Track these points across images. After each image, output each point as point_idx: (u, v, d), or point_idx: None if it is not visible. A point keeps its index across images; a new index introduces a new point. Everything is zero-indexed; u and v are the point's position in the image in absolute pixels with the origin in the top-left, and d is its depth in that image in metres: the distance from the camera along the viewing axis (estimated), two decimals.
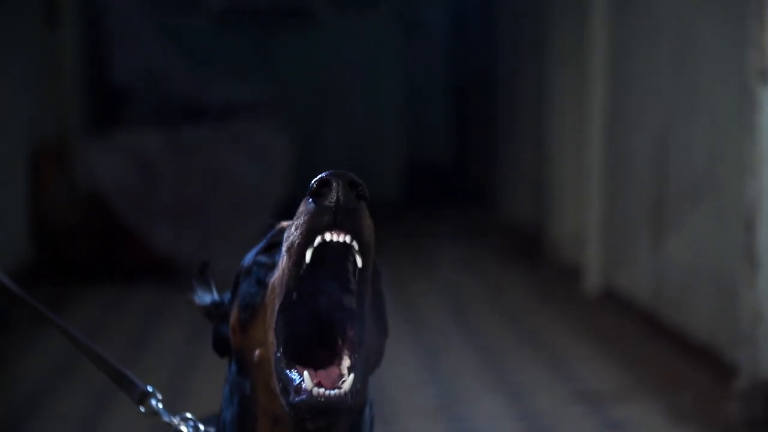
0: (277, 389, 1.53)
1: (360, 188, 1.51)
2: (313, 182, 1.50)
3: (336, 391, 1.49)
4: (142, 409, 1.96)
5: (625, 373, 4.91)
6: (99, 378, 5.08)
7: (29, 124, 7.09)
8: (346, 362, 1.53)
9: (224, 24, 9.63)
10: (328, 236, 1.49)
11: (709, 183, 4.92)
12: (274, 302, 1.56)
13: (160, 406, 1.96)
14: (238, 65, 9.37)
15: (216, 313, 1.80)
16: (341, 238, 1.49)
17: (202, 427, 1.89)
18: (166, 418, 1.94)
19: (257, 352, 1.60)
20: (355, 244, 1.50)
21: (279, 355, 1.53)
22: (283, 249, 1.54)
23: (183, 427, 1.89)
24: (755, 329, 4.17)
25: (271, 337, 1.55)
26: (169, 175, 7.08)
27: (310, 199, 1.50)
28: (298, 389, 1.50)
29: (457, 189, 10.69)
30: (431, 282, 7.03)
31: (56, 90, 7.58)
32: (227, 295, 1.79)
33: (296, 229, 1.51)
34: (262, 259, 1.65)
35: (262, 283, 1.61)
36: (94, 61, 8.12)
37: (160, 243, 6.81)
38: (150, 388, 1.97)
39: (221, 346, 1.77)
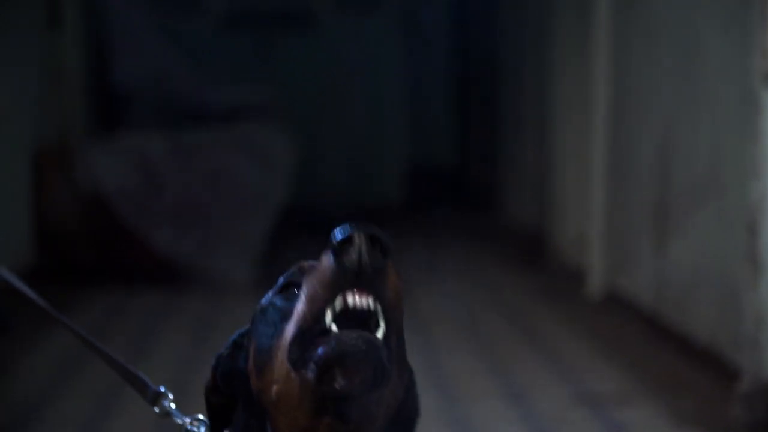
0: (289, 367, 1.47)
1: (384, 243, 1.45)
2: (334, 237, 1.44)
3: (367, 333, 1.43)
4: (156, 410, 1.97)
5: (628, 376, 4.91)
6: (102, 380, 5.10)
7: (32, 127, 7.09)
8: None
9: (226, 26, 9.63)
10: (350, 300, 1.43)
11: (712, 185, 4.92)
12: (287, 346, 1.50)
13: (173, 406, 1.97)
14: (240, 67, 9.37)
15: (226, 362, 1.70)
16: (364, 302, 1.45)
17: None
18: (178, 419, 1.94)
19: (274, 388, 1.54)
20: (378, 307, 1.45)
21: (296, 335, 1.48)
22: (302, 301, 1.48)
23: (195, 429, 1.89)
24: (758, 332, 4.17)
25: (286, 367, 1.49)
26: (170, 177, 7.07)
27: (332, 256, 1.44)
28: (324, 340, 1.43)
29: (459, 192, 10.68)
30: (433, 285, 7.02)
31: (59, 92, 7.58)
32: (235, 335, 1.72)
33: (317, 287, 1.45)
34: (278, 301, 1.58)
35: (276, 328, 1.55)
36: (96, 64, 8.12)
37: (162, 245, 6.81)
38: (162, 389, 1.98)
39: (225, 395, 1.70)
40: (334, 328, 1.43)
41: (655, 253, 5.63)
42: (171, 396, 1.96)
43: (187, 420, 1.92)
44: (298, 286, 1.55)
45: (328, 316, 1.44)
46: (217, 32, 9.60)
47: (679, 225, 5.33)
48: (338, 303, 1.44)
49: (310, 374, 1.44)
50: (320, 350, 1.42)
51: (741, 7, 4.60)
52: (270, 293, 1.64)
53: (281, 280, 1.62)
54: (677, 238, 5.34)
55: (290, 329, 1.49)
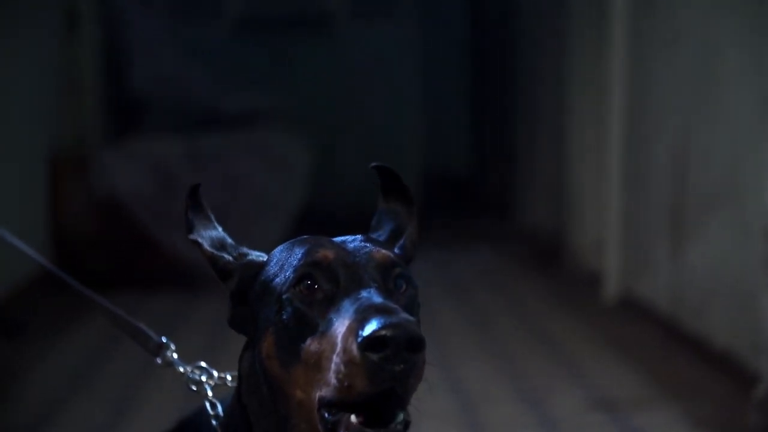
0: (320, 428, 1.52)
1: (420, 343, 1.45)
2: (368, 332, 1.43)
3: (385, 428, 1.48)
4: (159, 361, 1.99)
5: (644, 381, 4.89)
6: (116, 383, 5.10)
7: (48, 132, 7.12)
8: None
9: (242, 31, 9.64)
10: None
11: (729, 190, 4.90)
12: (316, 365, 1.51)
13: (175, 356, 1.99)
14: (256, 72, 9.38)
15: (232, 273, 1.72)
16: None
17: (216, 373, 1.90)
18: (180, 368, 1.96)
19: (298, 393, 1.56)
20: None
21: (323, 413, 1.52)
22: (332, 370, 1.48)
23: (196, 376, 1.91)
24: None
25: (313, 394, 1.52)
26: (187, 182, 7.05)
27: (364, 350, 1.44)
28: (348, 426, 1.48)
29: (475, 197, 10.67)
30: (449, 289, 7.02)
31: (75, 98, 7.61)
32: (252, 257, 1.73)
33: (347, 376, 1.45)
34: (300, 306, 1.57)
35: (298, 336, 1.55)
36: (113, 70, 8.14)
37: (177, 249, 6.82)
38: (164, 339, 2.00)
39: (237, 327, 1.72)
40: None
41: (672, 258, 5.61)
42: (173, 346, 1.98)
43: (189, 368, 1.94)
44: (316, 285, 1.57)
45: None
46: (233, 37, 9.62)
47: (695, 229, 5.31)
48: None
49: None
50: None
51: (759, 12, 4.59)
52: (276, 269, 1.64)
53: (292, 267, 1.61)
54: (694, 242, 5.32)
55: (323, 378, 1.50)
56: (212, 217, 1.80)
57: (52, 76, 7.24)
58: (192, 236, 1.75)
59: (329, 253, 1.61)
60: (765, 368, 4.18)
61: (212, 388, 1.92)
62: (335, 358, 1.47)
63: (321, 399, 1.50)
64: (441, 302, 6.63)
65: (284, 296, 1.59)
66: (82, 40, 7.64)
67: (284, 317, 1.58)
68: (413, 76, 10.07)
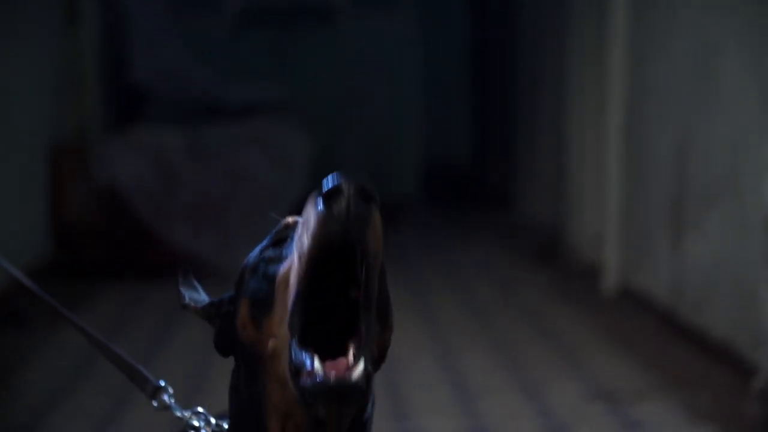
0: (288, 376, 1.54)
1: (371, 192, 1.50)
2: (322, 187, 1.49)
3: (347, 373, 1.50)
4: (155, 404, 2.01)
5: (644, 373, 4.90)
6: (116, 375, 5.09)
7: (49, 123, 7.12)
8: (352, 352, 1.52)
9: (243, 23, 9.64)
10: (338, 247, 1.49)
11: (729, 183, 4.90)
12: (285, 298, 1.56)
13: (172, 401, 2.01)
14: (257, 64, 9.38)
15: (216, 313, 1.81)
16: (351, 250, 1.49)
17: (213, 420, 1.92)
18: (177, 413, 1.98)
19: (270, 343, 1.60)
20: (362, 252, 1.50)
21: (293, 342, 1.54)
22: (294, 252, 1.54)
23: (195, 421, 1.92)
24: None
25: (285, 330, 1.55)
26: (188, 174, 7.09)
27: (320, 205, 1.49)
28: (310, 373, 1.50)
29: (475, 189, 10.68)
30: (449, 282, 7.03)
31: (77, 89, 7.61)
32: (226, 294, 1.79)
33: (306, 236, 1.50)
34: (269, 253, 1.65)
35: (271, 279, 1.61)
36: (114, 61, 8.15)
37: (178, 241, 6.83)
38: (162, 383, 2.01)
39: (224, 345, 1.77)
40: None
41: (672, 251, 5.62)
42: (171, 390, 2.00)
43: (187, 414, 1.96)
44: (287, 240, 1.62)
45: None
46: (234, 29, 9.61)
47: (695, 222, 5.32)
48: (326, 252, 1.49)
49: (295, 387, 1.51)
50: (307, 381, 1.49)
51: (758, 7, 4.59)
52: (257, 250, 1.70)
53: (268, 237, 1.68)
54: (694, 235, 5.33)
55: (290, 288, 1.53)
56: (199, 288, 1.90)
57: (53, 67, 7.24)
58: (184, 303, 1.86)
59: (291, 219, 1.67)
60: (764, 360, 4.19)
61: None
62: (296, 240, 1.53)
63: (289, 321, 1.53)
64: (441, 295, 6.64)
65: (258, 261, 1.65)
66: (84, 32, 7.64)
67: (254, 280, 1.64)
68: (415, 70, 10.06)
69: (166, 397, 2.00)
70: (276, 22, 9.69)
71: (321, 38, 9.74)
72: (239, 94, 8.26)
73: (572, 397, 4.57)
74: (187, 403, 1.96)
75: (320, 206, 1.49)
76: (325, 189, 1.49)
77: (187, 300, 1.86)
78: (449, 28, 10.81)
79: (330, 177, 1.50)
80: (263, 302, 1.62)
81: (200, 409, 1.95)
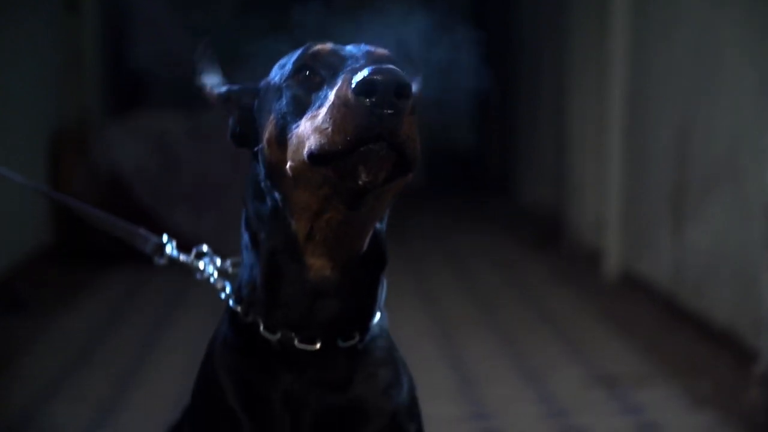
0: (310, 163, 1.59)
1: (407, 89, 1.53)
2: (360, 77, 1.51)
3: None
4: (161, 261, 2.04)
5: (645, 358, 4.90)
6: (118, 358, 5.11)
7: (50, 109, 7.12)
8: None
9: (244, 8, 9.61)
10: (371, 143, 1.52)
11: (730, 169, 4.90)
12: (303, 148, 1.59)
13: (175, 252, 2.04)
14: (257, 49, 9.36)
15: (235, 103, 1.87)
16: (383, 149, 1.53)
17: (219, 260, 1.97)
18: (183, 258, 2.02)
19: (290, 165, 1.64)
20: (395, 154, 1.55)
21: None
22: (328, 121, 1.54)
23: (200, 263, 1.97)
24: None
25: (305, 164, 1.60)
26: (188, 158, 7.09)
27: (355, 93, 1.51)
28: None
29: (477, 176, 10.67)
30: (451, 267, 7.03)
31: (77, 74, 7.60)
32: (247, 85, 1.87)
33: (340, 120, 1.52)
34: (297, 90, 1.68)
35: (296, 114, 1.65)
36: (114, 46, 8.14)
37: (180, 226, 6.82)
38: (164, 238, 2.05)
39: (240, 138, 1.86)
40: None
41: (673, 236, 5.62)
42: (173, 242, 2.03)
43: (191, 257, 2.00)
44: (313, 73, 1.67)
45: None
46: (234, 13, 9.59)
47: (696, 208, 5.32)
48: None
49: (331, 172, 1.55)
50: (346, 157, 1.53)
51: None
52: (278, 71, 1.76)
53: (291, 61, 1.72)
54: (695, 221, 5.33)
55: (312, 140, 1.57)
56: (219, 68, 1.98)
57: (54, 53, 7.23)
58: (199, 81, 1.93)
59: (326, 46, 1.74)
60: (765, 345, 4.19)
61: (217, 270, 2.03)
62: (327, 109, 1.55)
63: (309, 154, 1.57)
64: (442, 280, 6.65)
65: (284, 85, 1.71)
66: (84, 18, 7.63)
67: (284, 102, 1.69)
68: (416, 54, 10.03)
69: (168, 251, 2.04)
70: (275, 5, 9.66)
71: (322, 22, 9.72)
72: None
73: (573, 382, 4.57)
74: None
75: (355, 97, 1.51)
76: (362, 80, 1.51)
77: (205, 83, 1.91)
78: (450, 13, 10.79)
79: (368, 68, 1.52)
80: (290, 129, 1.65)
81: (204, 248, 2.00)
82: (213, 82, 1.92)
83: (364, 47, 1.75)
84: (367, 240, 1.73)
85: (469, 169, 10.86)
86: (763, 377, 4.13)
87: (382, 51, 1.76)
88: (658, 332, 5.32)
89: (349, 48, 1.75)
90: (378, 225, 1.76)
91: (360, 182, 1.55)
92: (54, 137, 7.01)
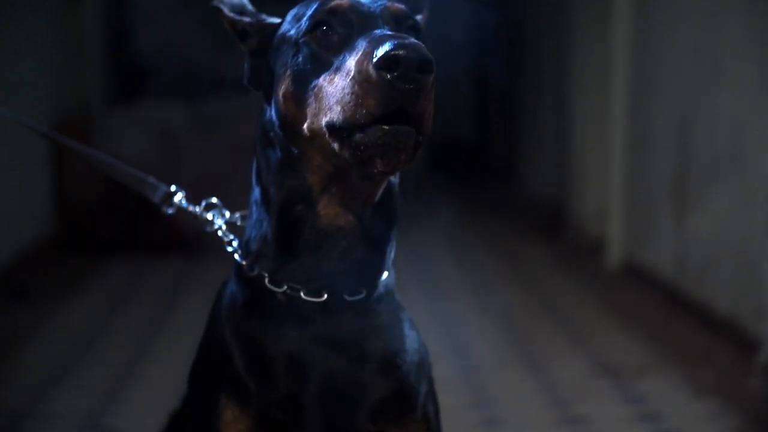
0: (328, 133, 1.60)
1: (430, 65, 1.52)
2: (382, 52, 1.50)
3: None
4: (170, 210, 2.04)
5: (647, 347, 4.90)
6: (121, 348, 5.11)
7: (52, 98, 7.11)
8: None
9: None
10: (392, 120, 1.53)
11: (732, 158, 4.89)
12: (323, 102, 1.60)
13: (184, 202, 2.04)
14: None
15: (256, 37, 1.84)
16: (401, 141, 1.54)
17: (227, 213, 1.96)
18: (192, 209, 2.02)
19: (307, 123, 1.65)
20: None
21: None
22: (347, 88, 1.55)
23: (209, 215, 1.97)
24: None
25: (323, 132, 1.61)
26: (190, 147, 7.08)
27: (377, 68, 1.51)
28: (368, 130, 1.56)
29: (480, 165, 10.67)
30: (454, 256, 7.03)
31: (79, 64, 7.59)
32: (270, 19, 1.83)
33: (362, 95, 1.53)
34: (315, 48, 1.66)
35: (314, 72, 1.64)
36: (117, 35, 8.13)
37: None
38: (173, 187, 2.05)
39: (255, 80, 1.86)
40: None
41: (675, 225, 5.61)
42: (182, 192, 2.03)
43: (199, 208, 2.00)
44: (331, 30, 1.65)
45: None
46: None
47: (699, 197, 5.31)
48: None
49: (348, 155, 1.56)
50: (364, 138, 1.54)
51: None
52: (294, 23, 1.73)
53: (308, 15, 1.69)
54: (697, 210, 5.32)
55: (333, 112, 1.58)
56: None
57: (56, 43, 7.22)
58: (214, 2, 1.90)
59: (344, 2, 1.69)
60: (767, 334, 4.19)
61: (225, 223, 2.03)
62: (348, 81, 1.55)
63: (329, 124, 1.58)
64: (445, 268, 6.64)
65: (301, 40, 1.68)
66: (86, 7, 7.62)
67: (300, 59, 1.67)
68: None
69: (177, 200, 2.04)
70: None
71: None
72: (242, 68, 8.24)
73: (575, 372, 4.57)
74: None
75: (377, 72, 1.51)
76: (384, 55, 1.50)
77: (217, 1, 1.88)
78: (453, 3, 10.76)
79: (389, 42, 1.51)
80: (307, 88, 1.65)
81: (214, 200, 2.00)
82: (232, 2, 1.89)
83: (381, 1, 1.72)
84: (380, 192, 1.74)
85: (472, 158, 10.85)
86: (766, 366, 4.12)
87: (398, 6, 1.72)
88: (661, 321, 5.32)
89: (367, 2, 1.71)
90: (392, 178, 1.77)
91: (375, 170, 1.57)
92: (57, 126, 6.99)
